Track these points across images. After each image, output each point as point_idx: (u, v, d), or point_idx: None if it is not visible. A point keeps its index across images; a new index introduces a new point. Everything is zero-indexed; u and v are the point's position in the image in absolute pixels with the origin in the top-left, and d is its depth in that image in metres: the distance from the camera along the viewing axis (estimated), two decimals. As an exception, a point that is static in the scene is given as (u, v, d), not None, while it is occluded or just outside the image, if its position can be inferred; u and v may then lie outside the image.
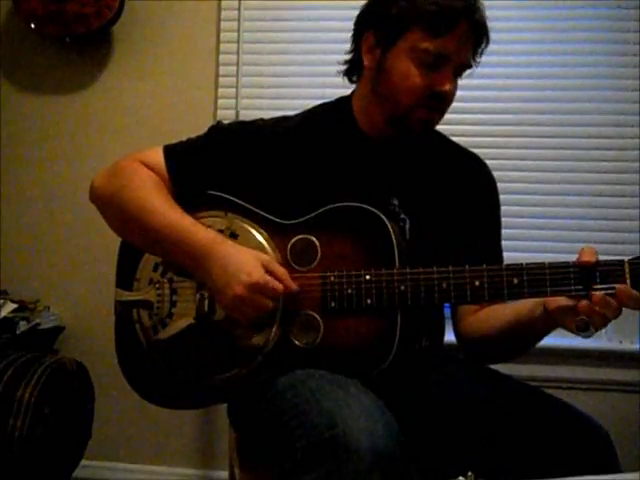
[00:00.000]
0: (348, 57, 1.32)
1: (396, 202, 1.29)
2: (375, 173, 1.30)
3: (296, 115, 1.36)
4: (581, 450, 1.08)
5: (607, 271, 1.05)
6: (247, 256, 1.14)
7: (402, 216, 1.28)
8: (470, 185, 1.35)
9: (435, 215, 1.31)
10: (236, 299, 1.12)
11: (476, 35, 1.23)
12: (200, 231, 1.19)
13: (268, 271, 1.13)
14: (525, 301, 1.15)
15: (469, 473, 0.92)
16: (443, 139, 1.40)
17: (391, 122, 1.26)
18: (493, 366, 1.32)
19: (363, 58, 1.28)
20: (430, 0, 1.18)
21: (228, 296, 1.13)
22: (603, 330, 2.04)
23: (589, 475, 0.93)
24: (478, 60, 1.27)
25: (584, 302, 1.04)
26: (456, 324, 1.34)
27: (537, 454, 1.09)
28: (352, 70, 1.33)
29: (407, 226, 1.28)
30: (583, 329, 1.05)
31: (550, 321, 1.11)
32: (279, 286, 1.12)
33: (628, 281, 1.04)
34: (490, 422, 1.14)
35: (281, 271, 1.15)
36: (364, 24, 1.28)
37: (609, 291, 1.04)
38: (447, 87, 1.20)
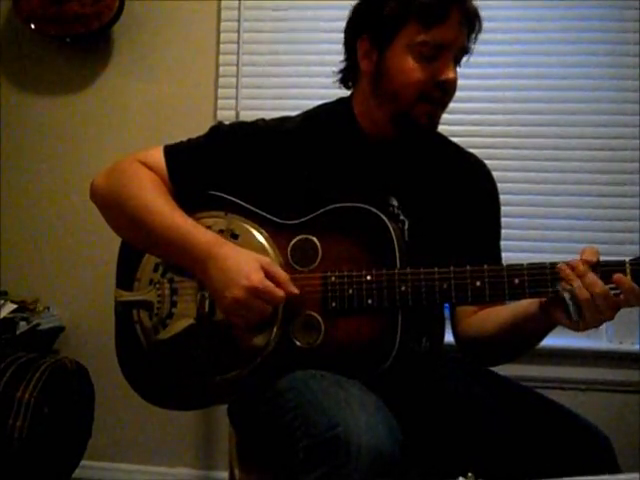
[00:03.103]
0: (342, 66, 1.32)
1: (395, 203, 1.29)
2: (374, 174, 1.30)
3: (297, 116, 1.36)
4: (581, 452, 1.08)
5: (608, 271, 1.05)
6: (247, 258, 1.14)
7: (401, 217, 1.28)
8: (470, 186, 1.35)
9: (434, 216, 1.31)
10: (235, 302, 1.11)
11: (469, 20, 1.23)
12: (200, 233, 1.18)
13: (268, 274, 1.12)
14: (522, 300, 1.16)
15: (469, 474, 0.92)
16: (443, 140, 1.40)
17: (395, 120, 1.26)
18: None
19: (359, 63, 1.27)
20: None
21: (227, 299, 1.12)
22: (603, 330, 2.08)
23: (589, 476, 0.93)
24: (473, 46, 1.27)
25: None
26: (455, 325, 1.35)
27: (537, 455, 1.09)
28: (347, 77, 1.33)
29: (406, 227, 1.28)
30: (569, 306, 1.04)
31: (546, 318, 1.11)
32: (279, 293, 1.11)
33: None
34: (490, 423, 1.14)
35: (281, 274, 1.14)
36: (357, 29, 1.28)
37: (615, 291, 1.04)
38: (450, 75, 1.21)
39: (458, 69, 1.25)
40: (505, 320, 1.21)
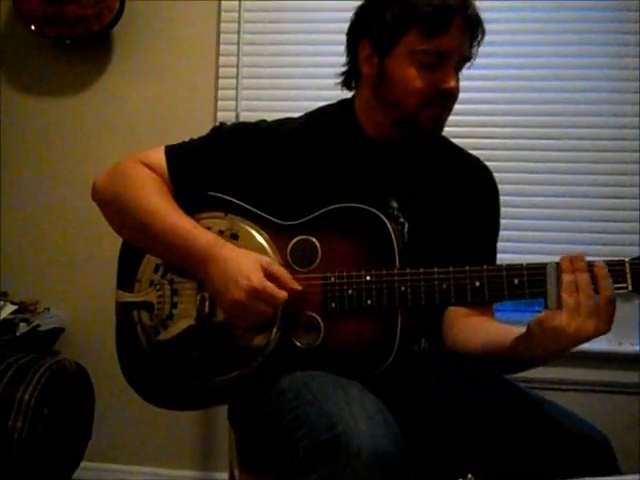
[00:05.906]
0: (344, 68, 1.33)
1: (395, 205, 1.29)
2: (375, 175, 1.30)
3: (299, 117, 1.36)
4: (581, 454, 1.08)
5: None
6: (247, 259, 1.14)
7: (401, 219, 1.28)
8: (470, 189, 1.35)
9: (433, 218, 1.31)
10: (235, 304, 1.12)
11: (471, 29, 1.23)
12: (201, 234, 1.19)
13: (268, 273, 1.13)
14: (511, 330, 1.14)
15: (469, 475, 0.92)
16: (445, 141, 1.40)
17: (399, 125, 1.26)
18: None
19: (361, 67, 1.28)
20: (423, 1, 1.18)
21: (227, 300, 1.13)
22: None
23: (588, 477, 0.93)
24: (475, 52, 1.27)
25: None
26: (444, 328, 1.32)
27: (536, 457, 1.08)
28: (350, 79, 1.34)
29: (405, 229, 1.28)
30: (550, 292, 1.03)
31: (529, 345, 1.07)
32: (279, 294, 1.12)
33: (629, 281, 1.03)
34: (489, 425, 1.13)
35: (282, 272, 1.14)
36: (358, 33, 1.28)
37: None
38: (452, 83, 1.21)
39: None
40: (490, 347, 1.18)
